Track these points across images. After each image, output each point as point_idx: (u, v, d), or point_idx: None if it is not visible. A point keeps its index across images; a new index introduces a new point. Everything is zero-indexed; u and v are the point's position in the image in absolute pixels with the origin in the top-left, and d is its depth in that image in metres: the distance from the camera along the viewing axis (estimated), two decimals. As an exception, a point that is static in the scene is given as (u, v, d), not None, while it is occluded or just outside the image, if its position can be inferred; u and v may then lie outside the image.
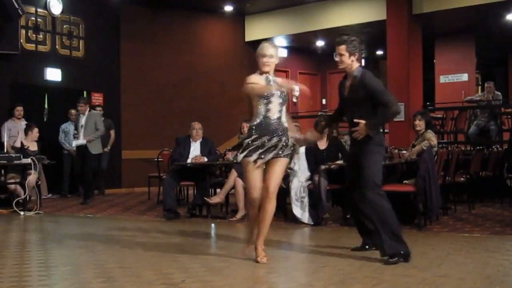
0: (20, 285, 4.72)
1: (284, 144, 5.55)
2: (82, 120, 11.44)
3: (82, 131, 11.39)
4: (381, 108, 5.61)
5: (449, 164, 8.85)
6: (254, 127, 5.58)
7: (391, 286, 4.63)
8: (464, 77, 16.66)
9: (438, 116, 13.86)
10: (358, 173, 5.66)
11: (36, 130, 11.06)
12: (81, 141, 11.29)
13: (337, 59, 5.84)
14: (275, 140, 5.51)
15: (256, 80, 5.63)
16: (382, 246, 5.50)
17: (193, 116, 11.47)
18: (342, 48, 5.79)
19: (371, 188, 5.55)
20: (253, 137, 5.54)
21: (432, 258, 5.73)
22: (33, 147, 10.90)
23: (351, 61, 5.80)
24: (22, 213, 9.83)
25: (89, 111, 11.57)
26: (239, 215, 8.98)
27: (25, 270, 5.28)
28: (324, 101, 19.29)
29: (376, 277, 4.88)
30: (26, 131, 11.06)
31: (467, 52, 16.72)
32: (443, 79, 16.94)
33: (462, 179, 9.64)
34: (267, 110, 5.56)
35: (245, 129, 9.02)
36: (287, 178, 8.47)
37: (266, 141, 5.50)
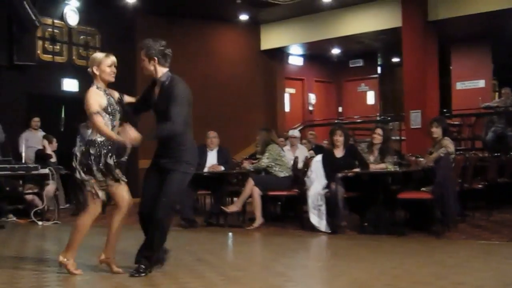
0: (38, 294, 4.75)
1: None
2: None
3: None
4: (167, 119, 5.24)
5: (466, 171, 8.80)
6: None
7: (409, 294, 4.62)
8: (481, 83, 16.56)
9: (455, 123, 13.78)
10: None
11: (55, 140, 11.18)
12: None
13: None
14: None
15: (98, 98, 5.57)
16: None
17: (209, 125, 11.44)
18: (142, 54, 5.40)
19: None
20: None
21: (450, 266, 5.70)
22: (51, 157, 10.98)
23: (152, 67, 5.43)
24: (40, 223, 9.88)
25: None
26: (256, 223, 8.97)
27: (43, 280, 5.31)
28: (340, 109, 19.26)
29: (393, 285, 4.85)
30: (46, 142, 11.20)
31: (484, 58, 16.63)
32: (459, 85, 16.84)
33: (479, 186, 9.57)
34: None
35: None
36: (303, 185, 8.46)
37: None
